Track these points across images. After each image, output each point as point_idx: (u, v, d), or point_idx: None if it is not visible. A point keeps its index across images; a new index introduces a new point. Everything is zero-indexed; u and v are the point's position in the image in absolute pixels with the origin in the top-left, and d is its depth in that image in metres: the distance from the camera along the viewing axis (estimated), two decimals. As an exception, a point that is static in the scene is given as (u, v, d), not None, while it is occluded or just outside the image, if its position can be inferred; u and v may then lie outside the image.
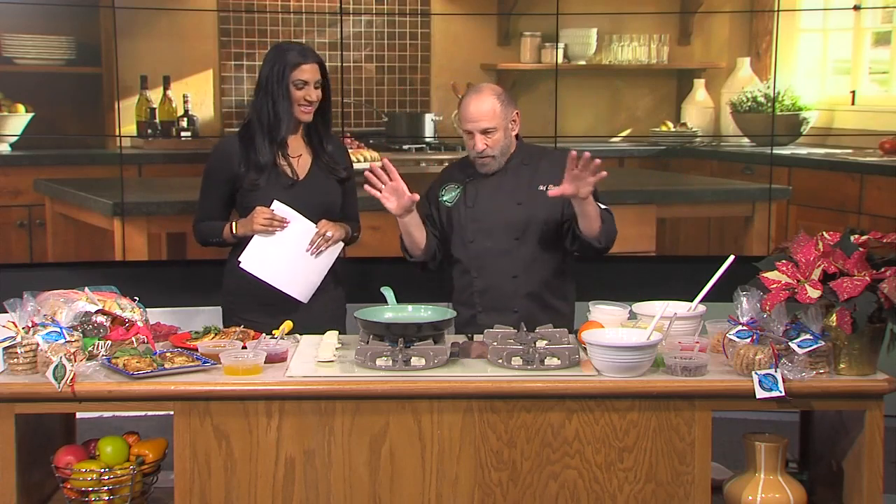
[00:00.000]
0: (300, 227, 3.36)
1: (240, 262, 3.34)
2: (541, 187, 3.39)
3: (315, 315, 3.36)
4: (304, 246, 3.36)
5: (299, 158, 3.43)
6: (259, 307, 3.35)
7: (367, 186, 3.23)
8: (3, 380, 2.70)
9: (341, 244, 3.44)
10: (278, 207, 3.33)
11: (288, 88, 3.33)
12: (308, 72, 3.34)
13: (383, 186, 3.23)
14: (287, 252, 3.35)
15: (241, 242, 3.38)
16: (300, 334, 3.12)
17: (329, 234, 3.37)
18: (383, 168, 3.23)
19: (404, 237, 3.39)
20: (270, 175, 3.37)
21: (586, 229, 3.26)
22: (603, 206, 3.33)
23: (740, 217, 5.36)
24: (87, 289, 2.93)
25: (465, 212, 3.43)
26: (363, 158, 5.14)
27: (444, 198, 3.48)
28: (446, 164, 5.41)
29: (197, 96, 5.23)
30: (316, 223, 3.38)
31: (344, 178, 3.50)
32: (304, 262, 3.37)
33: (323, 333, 3.09)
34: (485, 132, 3.33)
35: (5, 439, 2.69)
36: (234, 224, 3.38)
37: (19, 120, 5.04)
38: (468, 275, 3.43)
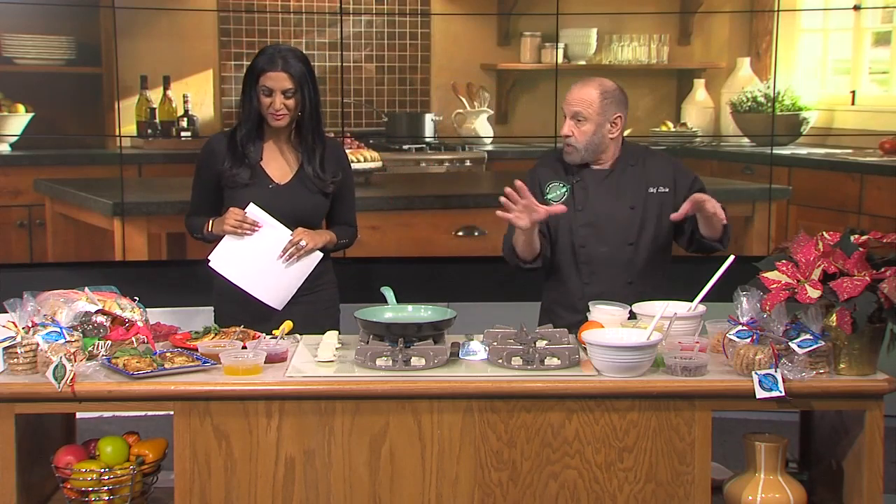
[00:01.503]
0: (274, 233, 3.33)
1: (209, 260, 3.34)
2: (651, 189, 3.36)
3: (306, 312, 3.34)
4: (278, 252, 3.34)
5: (284, 164, 3.41)
6: (244, 310, 3.32)
7: (499, 213, 3.15)
8: (3, 380, 2.70)
9: (319, 253, 3.40)
10: (252, 211, 3.31)
11: (255, 90, 3.33)
12: (273, 79, 3.30)
13: (515, 207, 3.15)
14: (258, 256, 3.33)
15: (218, 241, 3.38)
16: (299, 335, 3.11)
17: (303, 242, 3.34)
18: (516, 190, 3.14)
19: (523, 246, 3.28)
20: (252, 175, 3.36)
21: (710, 233, 3.29)
22: None
23: (740, 217, 5.36)
24: (87, 289, 2.93)
25: (574, 215, 3.34)
26: (363, 158, 5.14)
27: (549, 195, 3.37)
28: (446, 164, 5.47)
29: (197, 96, 5.23)
30: (285, 228, 3.35)
31: (328, 193, 3.45)
32: (276, 269, 3.34)
33: (314, 334, 3.09)
34: (575, 118, 3.30)
35: (5, 439, 2.69)
36: (211, 221, 3.38)
37: (19, 120, 5.05)
38: (577, 280, 3.36)
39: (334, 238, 3.46)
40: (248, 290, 3.34)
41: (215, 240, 3.39)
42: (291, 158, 3.43)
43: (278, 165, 3.41)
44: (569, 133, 3.31)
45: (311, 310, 3.39)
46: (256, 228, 3.31)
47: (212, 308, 3.53)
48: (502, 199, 3.15)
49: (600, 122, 3.31)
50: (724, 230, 3.30)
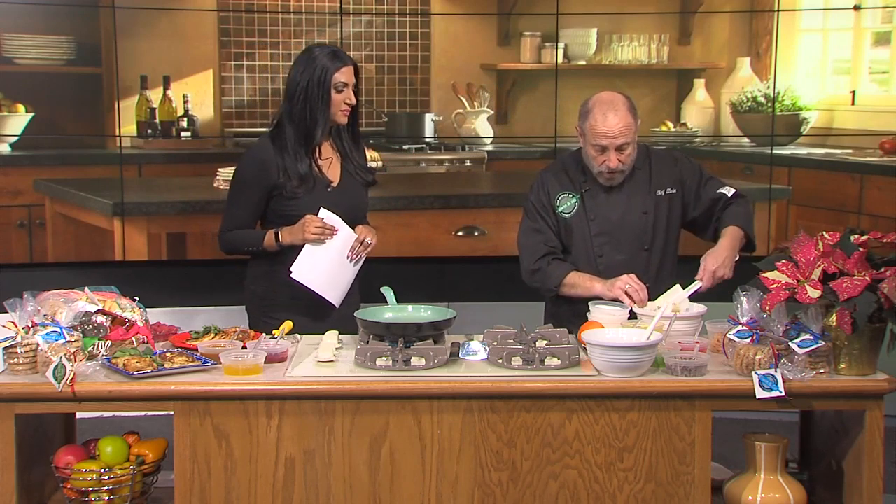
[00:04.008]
0: (344, 235, 3.33)
1: (291, 272, 3.28)
2: (659, 192, 3.34)
3: (342, 316, 3.32)
4: (346, 252, 3.33)
5: (331, 164, 3.39)
6: (290, 310, 3.28)
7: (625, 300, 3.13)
8: (3, 380, 2.70)
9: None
10: (327, 216, 3.29)
11: (329, 92, 3.29)
12: (347, 74, 3.31)
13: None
14: (333, 260, 3.32)
15: (284, 251, 3.32)
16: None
17: (368, 240, 3.36)
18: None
19: (581, 293, 3.27)
20: (313, 181, 3.33)
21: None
22: (730, 194, 3.32)
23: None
24: (87, 289, 2.93)
25: (588, 225, 3.33)
26: (363, 158, 5.14)
27: (560, 208, 3.35)
28: (446, 164, 5.47)
29: (197, 96, 5.23)
30: (350, 228, 3.35)
31: (371, 183, 3.49)
32: (343, 269, 3.35)
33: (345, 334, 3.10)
34: (619, 148, 3.22)
35: (5, 439, 2.69)
36: (279, 233, 3.31)
37: (19, 120, 5.05)
38: None
39: (375, 233, 3.48)
40: (325, 294, 3.32)
41: (280, 251, 3.32)
42: (334, 157, 3.42)
43: (327, 166, 3.39)
44: (616, 165, 3.24)
45: (345, 311, 3.37)
46: (335, 232, 3.30)
47: (212, 308, 3.51)
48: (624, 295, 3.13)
49: (636, 138, 3.28)
50: (746, 237, 3.27)
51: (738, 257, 3.23)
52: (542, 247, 3.36)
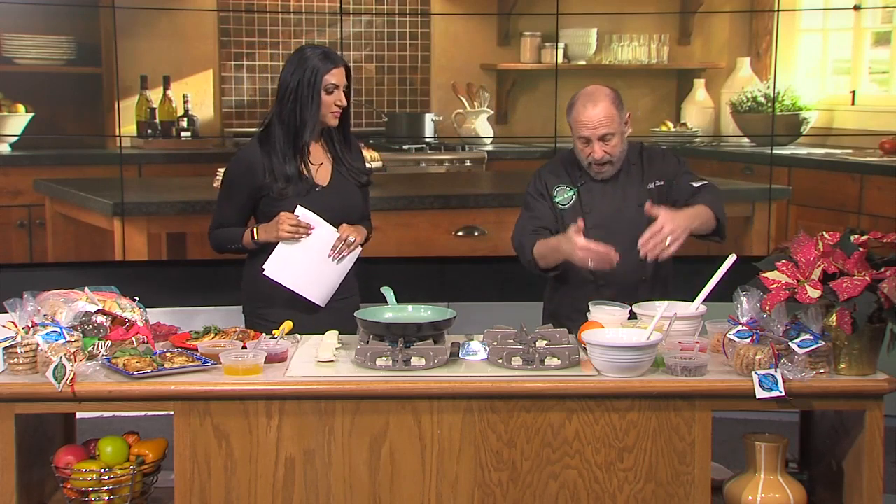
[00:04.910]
0: (323, 233, 3.32)
1: (263, 269, 3.30)
2: (650, 185, 3.36)
3: (339, 317, 3.32)
4: (326, 251, 3.33)
5: (321, 164, 3.38)
6: (286, 310, 3.29)
7: (586, 261, 3.13)
8: (3, 380, 2.70)
9: (359, 248, 3.40)
10: (303, 213, 3.29)
11: (319, 93, 3.27)
12: (337, 75, 3.29)
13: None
14: (310, 258, 3.32)
15: (263, 248, 3.33)
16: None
17: (351, 238, 3.34)
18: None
19: (557, 262, 3.27)
20: (299, 182, 3.33)
21: (704, 232, 3.27)
22: (698, 185, 3.32)
23: (740, 217, 5.36)
24: (87, 289, 2.93)
25: (583, 218, 3.29)
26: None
27: (557, 199, 3.38)
28: (446, 164, 5.47)
29: (197, 96, 5.23)
30: (337, 227, 3.34)
31: (365, 184, 3.48)
32: (325, 267, 3.34)
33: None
34: (602, 139, 3.24)
35: (5, 439, 2.69)
36: (255, 230, 3.32)
37: (19, 120, 5.05)
38: (592, 283, 3.34)
39: (367, 232, 3.47)
40: (301, 292, 3.33)
41: (258, 248, 3.34)
42: (325, 157, 3.41)
43: (317, 167, 3.38)
44: (601, 156, 3.27)
45: (343, 316, 3.36)
46: (310, 231, 3.30)
47: (211, 308, 3.51)
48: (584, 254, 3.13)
49: (622, 129, 3.30)
50: (717, 224, 3.29)
51: (695, 225, 3.19)
52: (529, 229, 3.37)
